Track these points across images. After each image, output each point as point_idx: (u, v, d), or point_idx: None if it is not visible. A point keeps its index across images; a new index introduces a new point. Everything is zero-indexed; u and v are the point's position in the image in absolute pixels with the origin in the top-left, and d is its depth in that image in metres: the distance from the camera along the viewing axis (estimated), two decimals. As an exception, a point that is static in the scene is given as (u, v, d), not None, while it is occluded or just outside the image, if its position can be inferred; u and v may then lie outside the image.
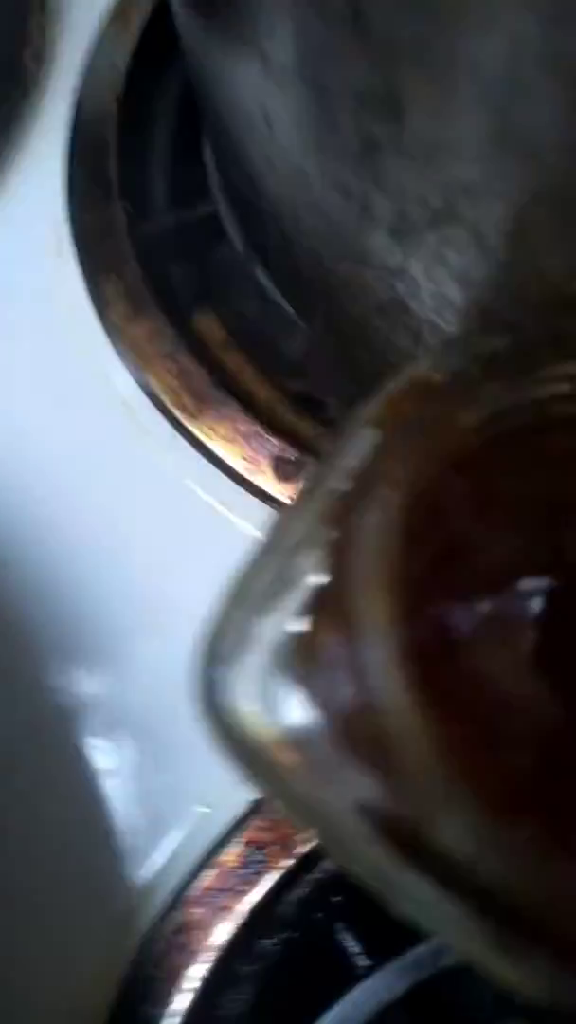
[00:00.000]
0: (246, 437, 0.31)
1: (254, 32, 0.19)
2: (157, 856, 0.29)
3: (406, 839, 0.10)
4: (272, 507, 0.31)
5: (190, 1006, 0.27)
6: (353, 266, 0.23)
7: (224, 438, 0.32)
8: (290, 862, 0.27)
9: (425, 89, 0.16)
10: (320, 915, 0.28)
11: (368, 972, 0.27)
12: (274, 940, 0.28)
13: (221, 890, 0.28)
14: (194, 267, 0.36)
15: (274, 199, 0.24)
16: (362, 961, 0.28)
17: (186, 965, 0.27)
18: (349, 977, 0.27)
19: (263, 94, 0.21)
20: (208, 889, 0.28)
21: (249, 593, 0.12)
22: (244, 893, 0.28)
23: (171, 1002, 0.27)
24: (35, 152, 0.38)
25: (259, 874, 0.28)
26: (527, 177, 0.16)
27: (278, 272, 0.30)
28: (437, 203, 0.18)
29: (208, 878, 0.28)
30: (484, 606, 0.12)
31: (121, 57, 0.38)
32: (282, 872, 0.27)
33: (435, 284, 0.20)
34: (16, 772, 0.29)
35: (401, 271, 0.21)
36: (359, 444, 0.12)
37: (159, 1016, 0.27)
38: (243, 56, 0.20)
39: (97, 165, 0.36)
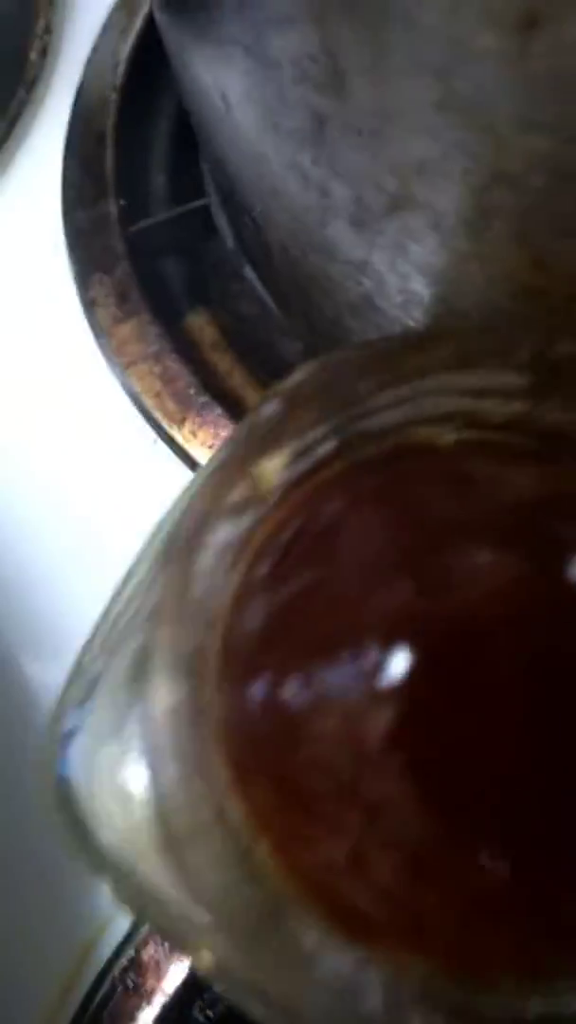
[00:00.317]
0: (228, 444, 0.30)
1: (207, 7, 0.18)
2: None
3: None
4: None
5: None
6: (320, 260, 0.21)
7: (205, 444, 0.30)
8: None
9: (360, 48, 0.14)
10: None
11: None
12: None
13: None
14: (187, 265, 0.34)
15: (243, 187, 0.22)
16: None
17: (137, 1007, 0.26)
18: None
19: (218, 72, 0.19)
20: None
21: (86, 656, 0.10)
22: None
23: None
24: (36, 146, 0.37)
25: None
26: (484, 155, 0.14)
27: (259, 268, 0.28)
28: (392, 186, 0.16)
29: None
30: (322, 675, 0.10)
31: (124, 49, 0.37)
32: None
33: (400, 278, 0.18)
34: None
35: (365, 264, 0.19)
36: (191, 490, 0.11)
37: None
38: (200, 34, 0.19)
39: (93, 159, 0.35)
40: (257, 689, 0.10)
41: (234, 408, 0.31)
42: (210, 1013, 0.27)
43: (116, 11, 0.38)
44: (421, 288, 0.18)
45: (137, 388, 0.31)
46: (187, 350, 0.32)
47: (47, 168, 0.36)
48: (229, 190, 0.25)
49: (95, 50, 0.37)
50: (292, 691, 0.10)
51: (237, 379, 0.32)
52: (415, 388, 0.11)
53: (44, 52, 0.38)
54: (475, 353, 0.12)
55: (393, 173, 0.16)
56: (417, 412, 0.12)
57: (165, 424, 0.31)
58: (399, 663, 0.10)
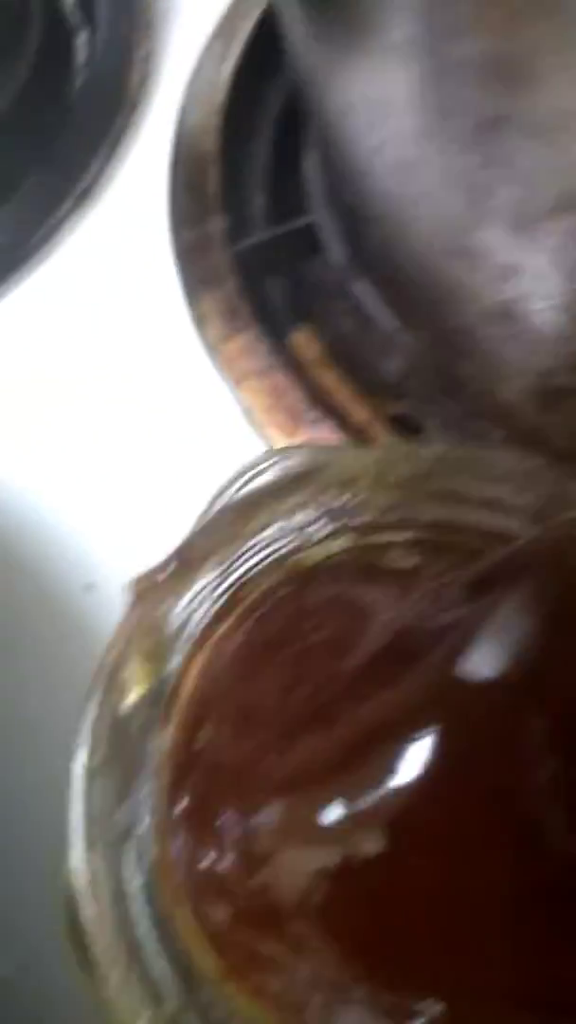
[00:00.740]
0: (341, 458, 0.30)
1: (376, 19, 0.18)
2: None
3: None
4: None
5: None
6: (461, 267, 0.21)
7: (318, 457, 0.30)
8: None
9: (553, 47, 0.14)
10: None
11: None
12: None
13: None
14: (292, 282, 0.35)
15: (380, 197, 0.23)
16: None
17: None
18: None
19: (378, 79, 0.19)
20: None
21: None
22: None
23: None
24: (140, 169, 0.38)
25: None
26: None
27: (379, 281, 0.28)
28: (563, 183, 0.16)
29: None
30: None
31: (224, 74, 0.38)
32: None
33: (549, 286, 0.18)
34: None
35: (515, 270, 0.19)
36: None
37: None
38: (357, 40, 0.19)
39: (197, 180, 0.36)
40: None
41: (341, 423, 0.31)
42: None
43: (215, 38, 0.39)
44: (571, 298, 0.18)
45: (249, 403, 0.32)
46: (293, 366, 0.32)
47: (151, 190, 0.37)
48: (355, 203, 0.26)
49: (195, 75, 0.38)
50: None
51: (343, 395, 0.32)
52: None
53: (144, 79, 0.39)
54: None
55: (570, 172, 0.16)
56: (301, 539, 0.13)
57: (278, 438, 0.31)
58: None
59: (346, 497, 0.14)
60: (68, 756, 0.28)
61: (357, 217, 0.26)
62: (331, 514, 0.14)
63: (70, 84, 0.40)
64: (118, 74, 0.39)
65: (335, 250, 0.32)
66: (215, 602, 0.14)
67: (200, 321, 0.34)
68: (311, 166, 0.35)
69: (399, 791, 0.10)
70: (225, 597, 0.14)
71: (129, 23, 0.40)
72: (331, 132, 0.24)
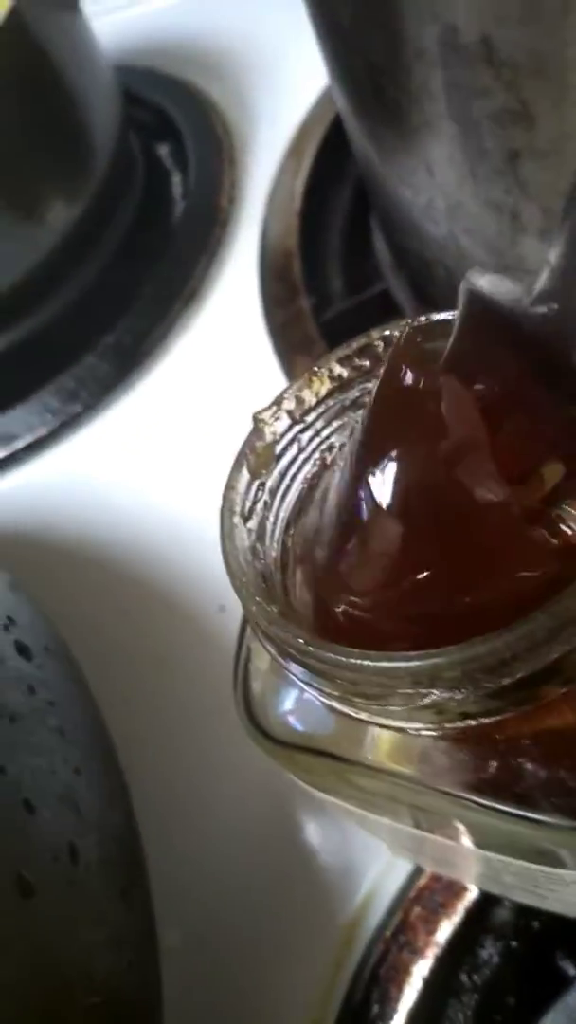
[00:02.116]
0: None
1: (413, 104, 0.24)
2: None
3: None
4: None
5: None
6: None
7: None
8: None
9: (548, 94, 0.20)
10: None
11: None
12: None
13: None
14: (372, 340, 0.41)
15: (439, 239, 0.28)
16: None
17: (411, 961, 0.28)
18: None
19: (424, 149, 0.25)
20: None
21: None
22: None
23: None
24: (233, 270, 0.45)
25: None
26: None
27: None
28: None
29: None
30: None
31: (297, 185, 0.45)
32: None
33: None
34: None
35: (551, 269, 0.24)
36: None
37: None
38: (406, 127, 0.25)
39: (284, 271, 0.43)
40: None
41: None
42: (476, 978, 0.29)
43: (287, 158, 0.47)
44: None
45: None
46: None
47: (245, 286, 0.44)
48: (418, 255, 0.31)
49: (274, 190, 0.46)
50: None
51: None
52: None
53: (232, 199, 0.47)
54: None
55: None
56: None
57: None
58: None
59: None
60: (207, 757, 0.32)
61: (421, 266, 0.32)
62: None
63: (171, 212, 0.49)
64: (210, 200, 0.47)
65: (407, 306, 0.38)
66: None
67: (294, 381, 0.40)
68: (379, 246, 0.42)
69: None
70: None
71: (215, 159, 0.49)
72: (391, 203, 0.31)
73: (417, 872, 0.29)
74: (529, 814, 0.17)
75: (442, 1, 0.20)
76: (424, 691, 0.15)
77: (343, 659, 0.15)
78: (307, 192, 0.45)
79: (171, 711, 0.34)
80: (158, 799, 0.30)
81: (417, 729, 0.17)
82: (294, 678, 0.18)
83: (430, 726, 0.17)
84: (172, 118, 0.52)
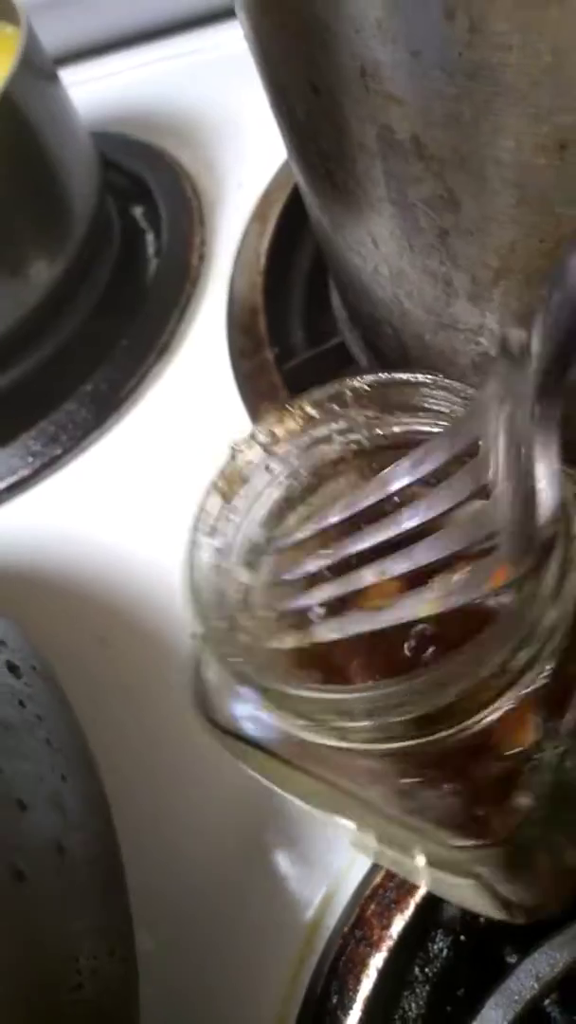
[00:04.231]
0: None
1: (358, 187, 0.28)
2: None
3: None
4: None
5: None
6: (447, 335, 0.30)
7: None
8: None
9: (469, 184, 0.24)
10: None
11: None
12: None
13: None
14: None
15: (386, 301, 0.32)
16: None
17: (368, 955, 0.31)
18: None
19: (369, 224, 0.29)
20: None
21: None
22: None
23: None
24: (203, 324, 0.49)
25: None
26: (550, 229, 0.23)
27: (391, 365, 0.37)
28: (495, 263, 0.25)
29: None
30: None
31: (263, 246, 0.49)
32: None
33: (507, 328, 0.27)
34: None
35: (481, 326, 0.28)
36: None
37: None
38: (353, 205, 0.29)
39: (250, 324, 0.46)
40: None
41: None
42: (428, 970, 0.31)
43: (252, 222, 0.51)
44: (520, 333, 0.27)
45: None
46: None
47: (214, 339, 0.47)
48: (368, 314, 0.35)
49: (240, 251, 0.50)
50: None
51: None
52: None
53: (202, 257, 0.51)
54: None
55: (494, 254, 0.25)
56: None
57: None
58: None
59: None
60: (177, 772, 0.35)
61: (372, 324, 0.35)
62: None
63: (146, 270, 0.52)
64: (181, 258, 0.51)
65: (361, 357, 0.42)
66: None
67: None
68: (335, 303, 0.45)
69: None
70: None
71: (185, 220, 0.53)
72: (343, 267, 0.34)
73: (372, 872, 0.32)
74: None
75: (380, 106, 0.24)
76: (357, 719, 0.18)
77: (290, 690, 0.19)
78: (271, 253, 0.49)
79: (145, 730, 0.37)
80: (132, 810, 0.32)
81: (345, 747, 0.20)
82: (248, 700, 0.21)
83: (360, 745, 0.20)
84: (145, 182, 0.56)
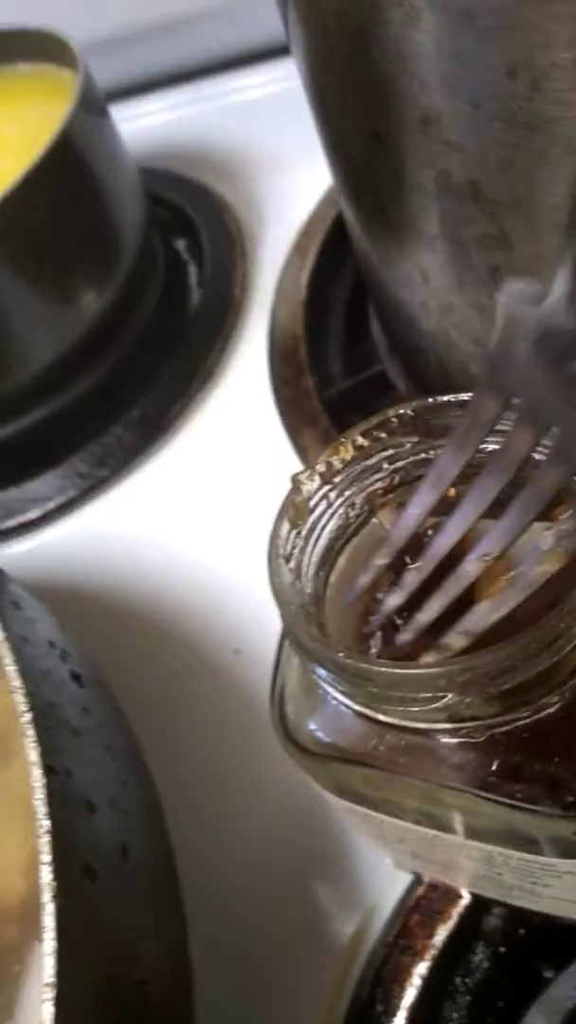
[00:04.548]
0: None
1: (412, 225, 0.30)
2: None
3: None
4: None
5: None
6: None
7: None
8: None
9: (522, 226, 0.25)
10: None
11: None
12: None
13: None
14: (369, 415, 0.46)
15: (430, 333, 0.34)
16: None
17: (411, 964, 0.32)
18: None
19: (420, 260, 0.31)
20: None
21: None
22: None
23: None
24: (245, 353, 0.50)
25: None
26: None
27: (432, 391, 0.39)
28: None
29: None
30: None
31: (303, 278, 0.51)
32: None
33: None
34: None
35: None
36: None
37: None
38: (406, 239, 0.31)
39: (291, 353, 0.48)
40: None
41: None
42: (468, 981, 0.32)
43: (293, 255, 0.53)
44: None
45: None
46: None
47: (256, 368, 0.49)
48: (413, 344, 0.37)
49: (281, 283, 0.52)
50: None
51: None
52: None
53: (244, 289, 0.53)
54: None
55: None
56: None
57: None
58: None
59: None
60: (225, 785, 0.36)
61: (415, 353, 0.37)
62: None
63: (189, 300, 0.54)
64: (224, 289, 0.53)
65: (400, 385, 0.44)
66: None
67: (302, 452, 0.45)
68: (375, 333, 0.47)
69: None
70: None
71: (227, 253, 0.55)
72: (388, 300, 0.36)
73: (416, 884, 0.33)
74: (526, 805, 0.22)
75: (439, 152, 0.25)
76: (440, 695, 0.20)
77: (376, 668, 0.20)
78: (311, 284, 0.50)
79: (191, 744, 0.38)
80: (181, 822, 0.33)
81: (432, 729, 0.21)
82: (327, 688, 0.22)
83: (444, 726, 0.21)
84: (188, 215, 0.58)
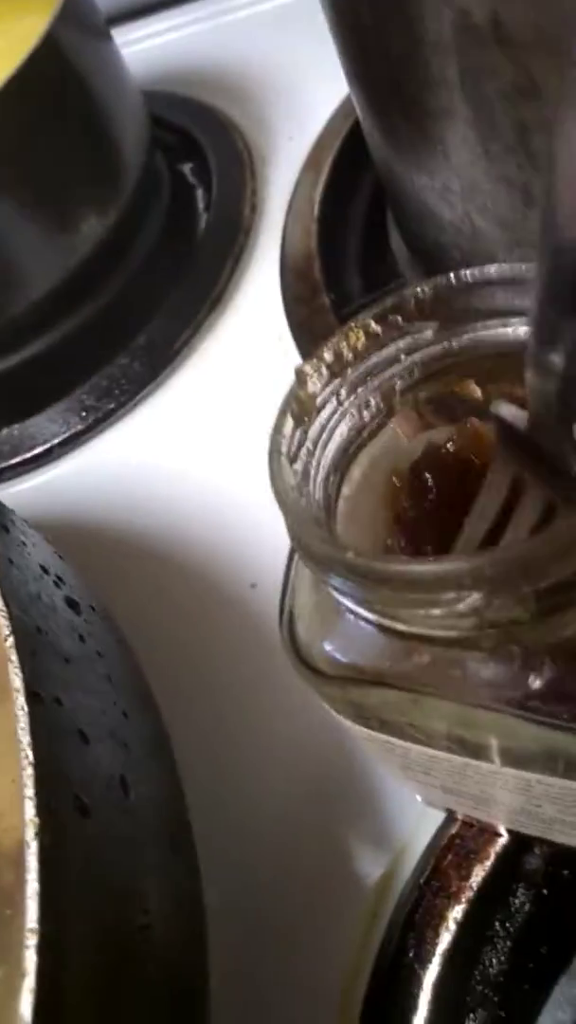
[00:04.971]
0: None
1: (430, 92, 0.26)
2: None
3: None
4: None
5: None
6: (522, 252, 0.28)
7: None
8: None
9: (551, 67, 0.22)
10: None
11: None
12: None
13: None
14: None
15: (455, 222, 0.30)
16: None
17: (446, 907, 0.29)
18: None
19: (441, 133, 0.27)
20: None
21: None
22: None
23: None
24: (256, 276, 0.47)
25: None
26: None
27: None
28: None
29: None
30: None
31: (316, 194, 0.48)
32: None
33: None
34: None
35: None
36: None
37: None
38: (423, 115, 0.28)
39: (305, 271, 0.45)
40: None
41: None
42: (508, 925, 0.30)
43: (305, 171, 0.49)
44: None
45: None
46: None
47: (267, 288, 0.46)
48: (434, 241, 0.33)
49: (293, 199, 0.48)
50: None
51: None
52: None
53: (254, 208, 0.50)
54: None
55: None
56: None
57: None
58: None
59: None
60: (242, 721, 0.34)
61: (437, 253, 0.34)
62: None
63: (196, 223, 0.51)
64: (233, 210, 0.50)
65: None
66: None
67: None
68: (395, 244, 0.44)
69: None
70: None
71: (237, 172, 0.51)
72: (407, 193, 0.33)
73: (448, 823, 0.30)
74: (571, 724, 0.19)
75: (455, -13, 0.22)
76: (466, 594, 0.17)
77: (392, 566, 0.17)
78: (324, 200, 0.47)
79: (206, 679, 0.36)
80: (194, 759, 0.31)
81: (459, 637, 0.19)
82: (342, 601, 0.20)
83: (472, 632, 0.18)
84: (194, 138, 0.55)
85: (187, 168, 0.55)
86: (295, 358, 0.43)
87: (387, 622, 0.19)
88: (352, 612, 0.20)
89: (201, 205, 0.53)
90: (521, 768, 0.21)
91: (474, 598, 0.17)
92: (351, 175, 0.48)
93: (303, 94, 0.56)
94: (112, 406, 0.44)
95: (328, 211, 0.47)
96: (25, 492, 0.44)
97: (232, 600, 0.37)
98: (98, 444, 0.44)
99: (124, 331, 0.46)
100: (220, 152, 0.53)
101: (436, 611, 0.17)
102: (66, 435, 0.44)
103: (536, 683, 0.19)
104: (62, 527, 0.41)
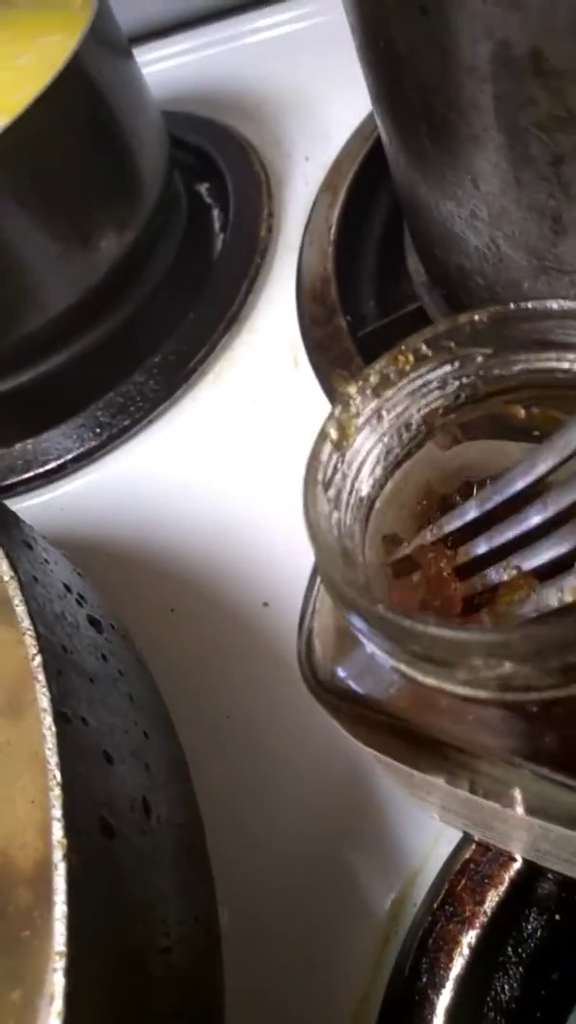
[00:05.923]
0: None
1: (462, 119, 0.27)
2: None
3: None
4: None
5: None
6: (548, 279, 0.28)
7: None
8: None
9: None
10: None
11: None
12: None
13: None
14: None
15: (480, 249, 0.31)
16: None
17: (460, 932, 0.29)
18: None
19: (470, 161, 0.28)
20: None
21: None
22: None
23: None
24: (272, 296, 0.48)
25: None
26: None
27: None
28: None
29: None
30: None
31: (333, 216, 0.48)
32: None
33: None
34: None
35: (589, 269, 0.26)
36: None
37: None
38: (453, 142, 0.28)
39: (321, 293, 0.45)
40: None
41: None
42: (521, 951, 0.30)
43: (322, 193, 0.50)
44: None
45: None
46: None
47: (283, 309, 0.46)
48: (457, 267, 0.34)
49: (311, 221, 0.49)
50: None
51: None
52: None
53: (270, 229, 0.50)
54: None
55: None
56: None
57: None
58: None
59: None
60: (256, 740, 0.33)
61: (460, 278, 0.34)
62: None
63: (212, 243, 0.51)
64: (250, 231, 0.50)
65: (438, 318, 0.40)
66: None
67: (333, 395, 0.42)
68: (412, 268, 0.44)
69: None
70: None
71: (254, 193, 0.52)
72: (430, 219, 0.33)
73: (462, 847, 0.30)
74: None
75: (496, 18, 0.22)
76: (495, 663, 0.17)
77: (423, 628, 0.16)
78: (341, 222, 0.47)
79: (218, 697, 0.36)
80: (209, 779, 0.31)
81: (480, 697, 0.18)
82: (366, 641, 0.19)
83: (493, 695, 0.18)
84: (211, 158, 0.56)
85: (204, 188, 0.55)
86: (310, 379, 0.43)
87: (406, 670, 0.19)
88: (371, 647, 0.20)
89: (218, 225, 0.53)
90: (534, 816, 0.21)
91: (504, 667, 0.17)
92: (368, 197, 0.48)
93: (320, 116, 0.57)
94: (127, 423, 0.44)
95: (345, 233, 0.47)
96: (37, 507, 0.44)
97: (245, 618, 0.37)
98: (111, 461, 0.44)
99: (140, 349, 0.46)
100: (237, 173, 0.54)
101: (461, 673, 0.17)
102: (80, 451, 0.43)
103: (548, 741, 0.19)
104: (74, 543, 0.41)
